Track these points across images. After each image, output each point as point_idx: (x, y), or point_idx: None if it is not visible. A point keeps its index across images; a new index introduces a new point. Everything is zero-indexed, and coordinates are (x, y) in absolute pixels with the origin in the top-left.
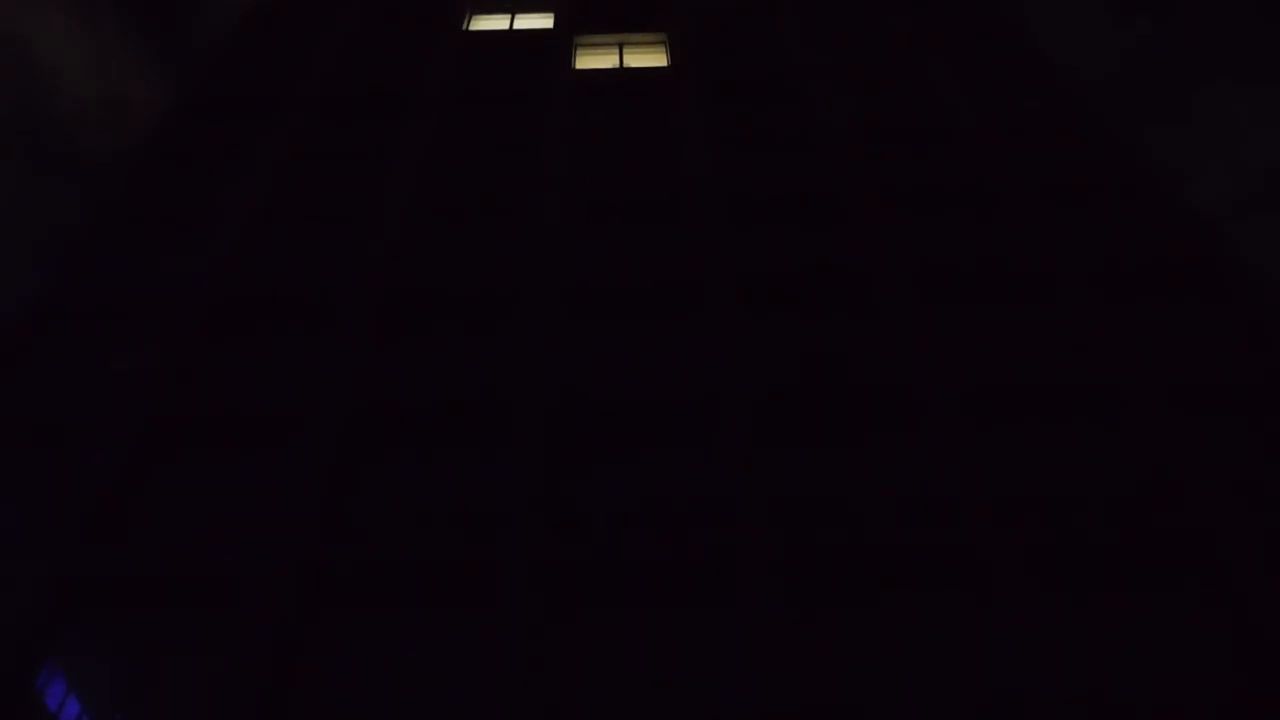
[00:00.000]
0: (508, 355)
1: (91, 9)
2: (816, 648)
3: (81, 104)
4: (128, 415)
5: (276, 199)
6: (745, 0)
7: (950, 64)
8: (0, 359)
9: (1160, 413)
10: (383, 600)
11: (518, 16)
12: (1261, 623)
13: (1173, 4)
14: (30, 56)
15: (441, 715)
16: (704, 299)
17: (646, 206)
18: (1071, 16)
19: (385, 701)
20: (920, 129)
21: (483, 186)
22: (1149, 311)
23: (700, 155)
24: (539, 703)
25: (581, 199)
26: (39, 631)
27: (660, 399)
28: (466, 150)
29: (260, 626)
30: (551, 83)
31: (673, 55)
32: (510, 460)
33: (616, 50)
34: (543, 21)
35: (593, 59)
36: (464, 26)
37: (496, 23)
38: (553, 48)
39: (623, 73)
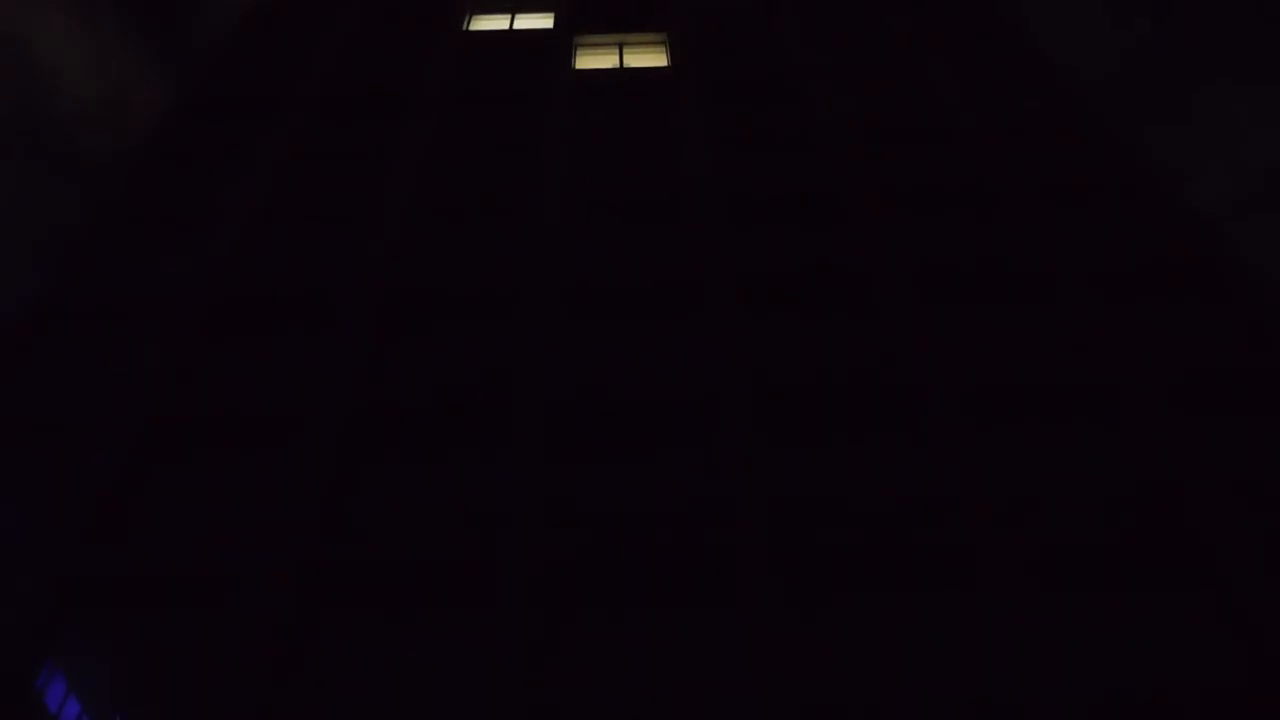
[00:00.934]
0: (508, 355)
1: (91, 9)
2: (816, 648)
3: (81, 104)
4: (128, 415)
5: (276, 199)
6: (745, 0)
7: (950, 64)
8: (0, 359)
9: (1160, 413)
10: (383, 600)
11: (518, 16)
12: (1261, 623)
13: (1172, 4)
14: (30, 56)
15: (441, 715)
16: (704, 299)
17: (646, 206)
18: (1071, 16)
19: (385, 701)
20: (920, 129)
21: (483, 186)
22: (1149, 311)
23: (700, 155)
24: (539, 703)
25: (581, 199)
26: (39, 631)
27: (660, 399)
28: (466, 150)
29: (260, 626)
30: (551, 83)
31: (673, 55)
32: (510, 460)
33: (616, 50)
34: (543, 21)
35: (593, 59)
36: (464, 26)
37: (496, 23)
38: (553, 48)
39: (623, 73)
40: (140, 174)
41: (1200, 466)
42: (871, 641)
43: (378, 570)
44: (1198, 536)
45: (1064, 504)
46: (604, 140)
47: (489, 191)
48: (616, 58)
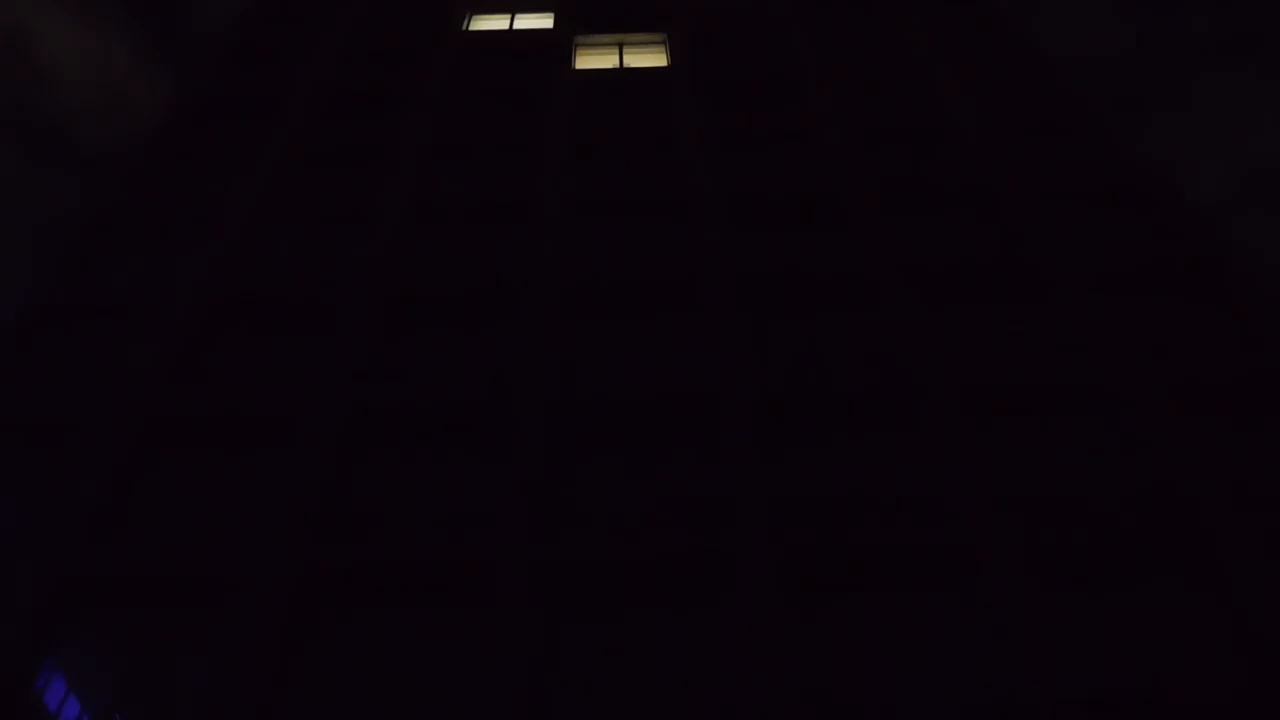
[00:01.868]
0: (508, 355)
1: (92, 8)
2: (816, 648)
3: (81, 104)
4: (128, 415)
5: (276, 199)
6: (745, 0)
7: (950, 64)
8: (0, 359)
9: (1160, 413)
10: (382, 600)
11: (518, 16)
12: (1261, 623)
13: (1172, 4)
14: (30, 55)
15: (441, 715)
16: (704, 299)
17: (646, 206)
18: (1071, 15)
19: (385, 701)
20: (920, 129)
21: (482, 186)
22: (1149, 311)
23: (700, 155)
24: (538, 703)
25: (581, 199)
26: (39, 631)
27: (660, 399)
28: (466, 150)
29: (260, 626)
30: (551, 83)
31: (673, 55)
32: (510, 460)
33: (616, 50)
34: (543, 21)
35: (593, 59)
36: (464, 27)
37: (496, 23)
38: (553, 48)
39: (623, 73)
40: (140, 174)
41: (1200, 466)
42: (872, 641)
43: (377, 570)
44: (1198, 536)
45: (1064, 504)
46: (604, 140)
47: (489, 191)
48: (616, 58)
